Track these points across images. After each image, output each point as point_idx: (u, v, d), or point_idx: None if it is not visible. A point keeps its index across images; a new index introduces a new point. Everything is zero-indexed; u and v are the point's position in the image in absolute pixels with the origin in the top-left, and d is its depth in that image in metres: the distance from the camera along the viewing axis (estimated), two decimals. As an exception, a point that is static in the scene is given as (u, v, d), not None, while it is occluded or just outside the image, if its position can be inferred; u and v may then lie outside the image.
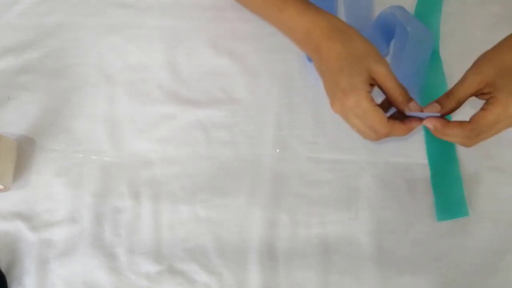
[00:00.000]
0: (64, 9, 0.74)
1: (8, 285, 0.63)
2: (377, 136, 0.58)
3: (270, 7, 0.63)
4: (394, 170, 0.66)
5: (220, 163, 0.67)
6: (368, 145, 0.67)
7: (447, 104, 0.57)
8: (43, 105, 0.70)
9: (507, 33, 0.63)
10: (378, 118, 0.56)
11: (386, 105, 0.60)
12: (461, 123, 0.56)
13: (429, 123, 0.57)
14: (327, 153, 0.67)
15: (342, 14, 0.73)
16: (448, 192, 0.65)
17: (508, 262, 0.62)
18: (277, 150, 0.67)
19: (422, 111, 0.57)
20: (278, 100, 0.70)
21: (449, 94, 0.57)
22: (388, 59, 0.70)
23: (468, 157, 0.66)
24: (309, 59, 0.70)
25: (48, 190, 0.66)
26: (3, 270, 0.63)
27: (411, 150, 0.67)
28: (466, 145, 0.58)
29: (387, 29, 0.69)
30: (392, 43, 0.70)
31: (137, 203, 0.66)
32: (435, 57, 0.70)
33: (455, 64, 0.70)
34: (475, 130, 0.55)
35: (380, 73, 0.57)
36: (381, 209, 0.65)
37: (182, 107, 0.69)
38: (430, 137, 0.67)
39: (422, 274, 0.62)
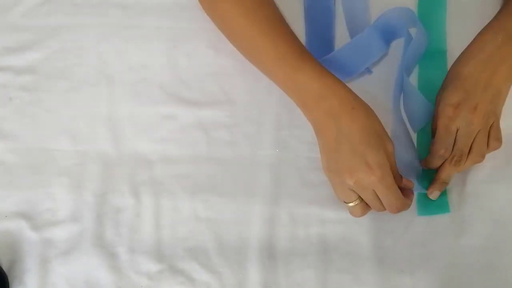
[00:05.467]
0: (65, 10, 0.74)
1: (10, 284, 0.63)
2: (389, 208, 0.60)
3: (283, 66, 0.61)
4: (393, 170, 0.66)
5: (220, 163, 0.67)
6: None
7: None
8: (44, 105, 0.70)
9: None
10: (398, 194, 0.59)
11: None
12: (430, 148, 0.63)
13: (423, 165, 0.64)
14: (327, 153, 0.67)
15: (340, 14, 0.73)
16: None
17: (506, 261, 0.63)
18: (277, 150, 0.68)
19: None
20: (278, 100, 0.70)
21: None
22: (387, 60, 0.70)
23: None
24: None
25: (49, 189, 0.67)
26: (5, 269, 0.63)
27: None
28: (457, 169, 0.62)
29: (388, 30, 0.68)
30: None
31: (137, 203, 0.66)
32: (441, 57, 0.70)
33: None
34: (440, 147, 0.61)
35: (390, 151, 0.59)
36: (380, 208, 0.65)
37: (182, 107, 0.70)
38: (422, 135, 0.67)
39: (420, 273, 0.62)
